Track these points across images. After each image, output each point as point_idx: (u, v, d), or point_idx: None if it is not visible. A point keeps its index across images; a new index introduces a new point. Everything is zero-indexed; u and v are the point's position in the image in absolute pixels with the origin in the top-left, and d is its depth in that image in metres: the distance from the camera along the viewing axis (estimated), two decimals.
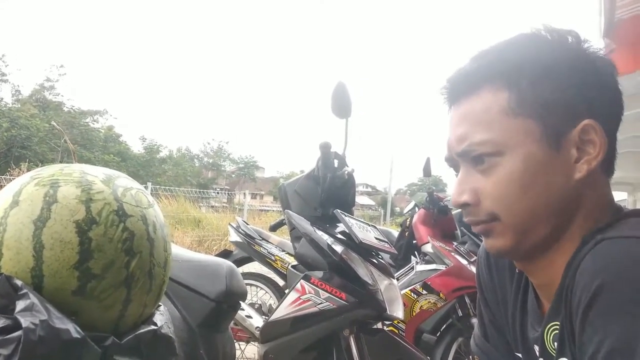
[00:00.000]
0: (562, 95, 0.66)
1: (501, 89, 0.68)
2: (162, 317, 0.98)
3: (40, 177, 0.89)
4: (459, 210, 0.84)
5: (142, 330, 0.90)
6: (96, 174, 0.92)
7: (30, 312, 0.74)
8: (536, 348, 0.74)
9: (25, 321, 0.72)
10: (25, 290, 0.77)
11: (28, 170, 9.86)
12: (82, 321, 0.79)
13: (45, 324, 0.73)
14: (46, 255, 0.81)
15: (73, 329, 0.76)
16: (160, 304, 1.01)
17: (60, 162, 18.92)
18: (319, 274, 2.04)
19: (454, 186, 0.73)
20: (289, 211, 2.23)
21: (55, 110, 23.88)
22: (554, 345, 0.68)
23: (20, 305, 0.75)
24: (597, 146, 0.66)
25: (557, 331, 0.67)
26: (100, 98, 65.22)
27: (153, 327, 0.93)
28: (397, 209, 33.59)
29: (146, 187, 9.51)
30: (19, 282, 0.78)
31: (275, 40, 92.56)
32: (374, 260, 2.11)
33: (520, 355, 0.81)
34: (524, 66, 0.67)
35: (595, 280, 0.57)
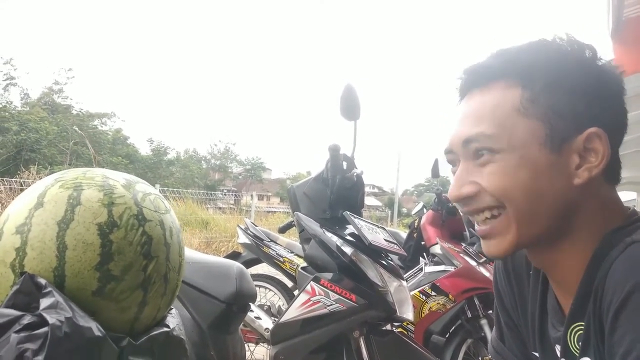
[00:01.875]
0: (573, 102, 0.68)
1: (515, 86, 0.70)
2: (174, 320, 1.00)
3: (64, 180, 0.91)
4: None
5: (155, 332, 0.93)
6: (117, 178, 0.95)
7: (55, 310, 0.76)
8: (557, 348, 0.75)
9: (51, 318, 0.75)
10: (49, 289, 0.79)
11: (37, 173, 9.96)
12: (100, 321, 0.81)
13: (70, 322, 0.76)
14: (69, 255, 0.83)
15: (95, 327, 0.79)
16: (172, 306, 1.03)
17: (69, 164, 19.07)
18: (329, 275, 2.05)
19: (452, 181, 0.74)
20: (298, 213, 2.24)
21: (64, 114, 24.05)
22: (578, 346, 0.69)
23: (45, 302, 0.77)
24: (599, 155, 0.68)
25: (582, 331, 0.68)
26: (108, 101, 65.67)
27: (166, 329, 0.95)
28: (404, 210, 33.50)
29: None
30: (42, 281, 0.80)
31: (282, 41, 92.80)
32: (384, 262, 2.11)
33: (537, 354, 0.81)
34: (541, 70, 0.69)
35: (628, 282, 0.59)
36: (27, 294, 0.79)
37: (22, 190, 7.99)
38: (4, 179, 8.77)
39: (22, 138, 19.01)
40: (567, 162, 0.68)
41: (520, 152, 0.68)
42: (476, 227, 0.75)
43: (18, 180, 8.49)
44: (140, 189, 0.95)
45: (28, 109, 22.95)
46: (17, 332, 0.74)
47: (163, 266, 0.92)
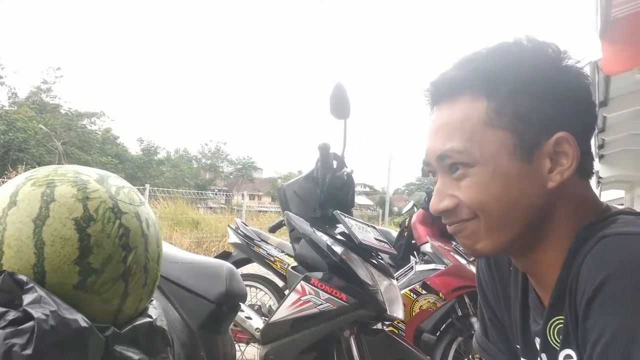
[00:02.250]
0: (539, 108, 0.69)
1: (481, 97, 0.70)
2: (156, 311, 1.01)
3: (35, 178, 0.91)
4: None
5: (139, 322, 0.94)
6: (89, 173, 0.96)
7: (40, 304, 0.77)
8: (537, 341, 0.76)
9: (36, 312, 0.75)
10: (31, 285, 0.79)
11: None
12: (83, 314, 0.82)
13: (56, 315, 0.77)
14: (47, 251, 0.83)
15: (81, 319, 0.80)
16: (153, 298, 1.04)
17: (58, 164, 18.91)
18: (319, 275, 2.04)
19: (433, 195, 0.76)
20: (288, 212, 2.23)
21: (53, 113, 23.88)
22: (558, 339, 0.70)
23: (28, 298, 0.77)
24: (569, 157, 0.69)
25: (561, 325, 0.70)
26: (97, 100, 65.25)
27: (149, 319, 0.96)
28: (395, 209, 33.63)
29: (144, 189, 9.51)
30: (24, 278, 0.80)
31: (273, 40, 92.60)
32: (374, 261, 2.11)
33: (518, 346, 0.83)
34: (504, 77, 0.70)
35: (599, 274, 0.60)
36: (7, 292, 0.79)
37: None
38: None
39: (9, 138, 18.83)
40: (539, 168, 0.69)
41: (492, 164, 0.69)
42: (448, 227, 0.76)
43: (5, 180, 8.43)
44: (114, 183, 0.96)
45: (16, 108, 22.74)
46: (3, 328, 0.74)
47: (142, 257, 0.93)
